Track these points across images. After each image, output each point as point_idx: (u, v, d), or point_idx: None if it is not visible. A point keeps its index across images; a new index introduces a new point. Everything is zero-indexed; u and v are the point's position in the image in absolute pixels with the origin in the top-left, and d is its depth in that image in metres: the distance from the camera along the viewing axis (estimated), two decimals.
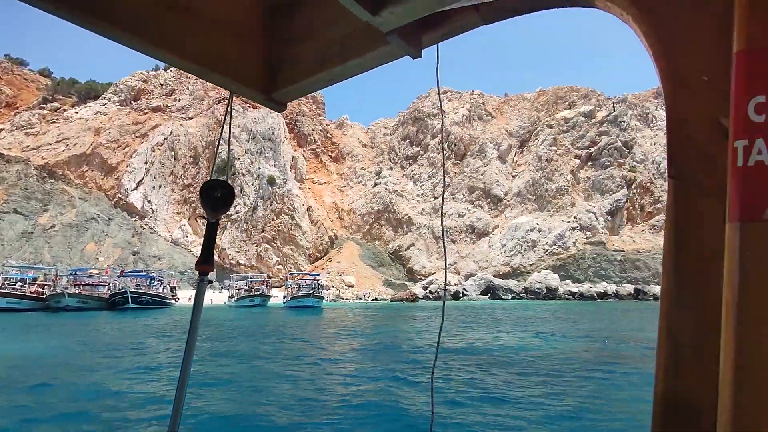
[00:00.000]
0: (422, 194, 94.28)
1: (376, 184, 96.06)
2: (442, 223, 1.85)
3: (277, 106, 1.66)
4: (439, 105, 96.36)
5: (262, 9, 1.61)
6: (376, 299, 72.53)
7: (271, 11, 1.61)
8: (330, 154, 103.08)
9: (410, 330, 27.44)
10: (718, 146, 0.88)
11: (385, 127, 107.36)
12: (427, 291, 76.14)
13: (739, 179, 0.81)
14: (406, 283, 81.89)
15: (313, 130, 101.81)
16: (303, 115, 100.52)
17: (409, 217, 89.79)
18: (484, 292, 75.12)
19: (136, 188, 79.42)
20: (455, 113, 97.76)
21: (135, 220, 77.68)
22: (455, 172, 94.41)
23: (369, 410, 9.62)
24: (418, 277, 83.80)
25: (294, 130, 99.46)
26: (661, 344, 0.96)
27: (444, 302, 1.91)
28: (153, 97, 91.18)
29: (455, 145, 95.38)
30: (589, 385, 12.38)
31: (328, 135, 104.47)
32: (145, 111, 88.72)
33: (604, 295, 72.97)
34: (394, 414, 9.20)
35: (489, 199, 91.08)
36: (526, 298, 71.68)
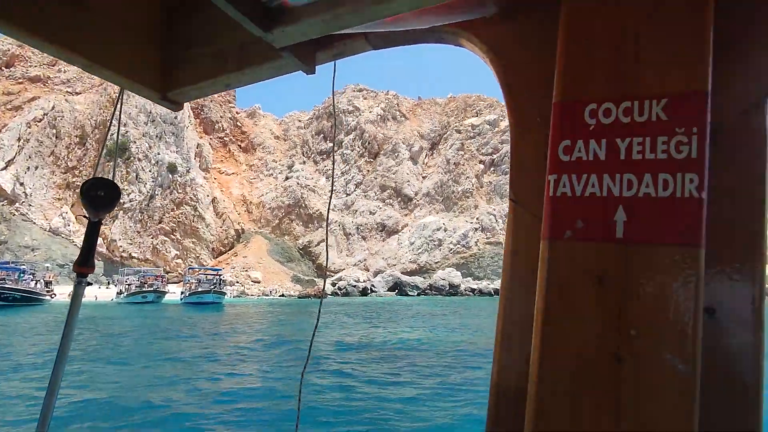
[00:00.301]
0: (334, 190, 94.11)
1: (287, 178, 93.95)
2: (327, 225, 1.89)
3: (172, 105, 1.63)
4: (352, 105, 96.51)
5: (160, 8, 1.56)
6: (283, 295, 71.04)
7: (170, 11, 1.57)
8: (239, 143, 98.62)
9: (311, 326, 27.30)
10: (545, 177, 1.04)
11: (299, 120, 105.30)
12: (336, 287, 76.27)
13: (549, 206, 0.99)
14: (315, 279, 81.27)
15: (221, 117, 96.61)
16: (211, 101, 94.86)
17: (321, 212, 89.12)
18: (391, 289, 77.14)
19: (5, 168, 69.08)
20: (370, 111, 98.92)
21: (3, 205, 67.61)
22: (368, 170, 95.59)
23: (241, 408, 9.43)
24: (328, 273, 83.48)
25: (200, 116, 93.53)
26: (497, 341, 1.09)
27: (321, 301, 1.98)
28: (31, 65, 79.94)
29: (369, 143, 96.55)
30: (467, 371, 13.33)
31: (238, 124, 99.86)
32: (20, 80, 77.52)
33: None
34: (268, 412, 9.12)
35: (400, 198, 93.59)
36: (431, 294, 74.90)
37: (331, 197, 1.80)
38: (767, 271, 0.96)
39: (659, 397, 0.85)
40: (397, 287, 77.10)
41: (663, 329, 0.87)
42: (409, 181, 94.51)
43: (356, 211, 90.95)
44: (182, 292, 54.69)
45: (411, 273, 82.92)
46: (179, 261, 74.53)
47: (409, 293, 74.94)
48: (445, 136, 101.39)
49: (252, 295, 69.44)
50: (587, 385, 0.91)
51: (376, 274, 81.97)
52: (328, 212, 2.09)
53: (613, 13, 1.02)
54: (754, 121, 0.97)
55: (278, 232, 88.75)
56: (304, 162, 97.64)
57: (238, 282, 73.13)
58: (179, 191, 77.68)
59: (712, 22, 0.93)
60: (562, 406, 0.92)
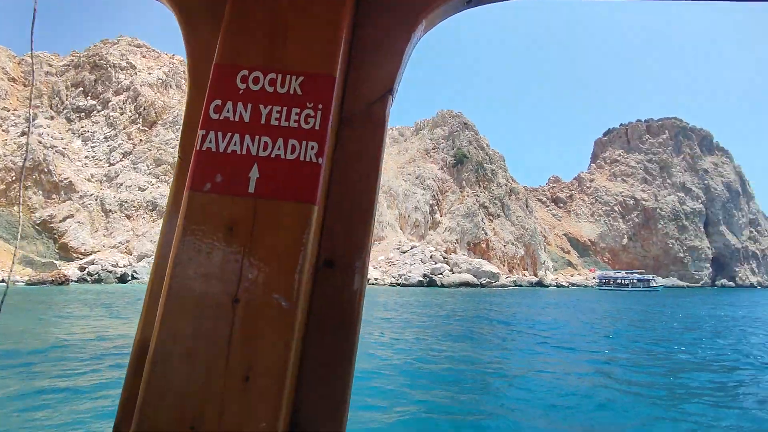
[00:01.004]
0: (93, 157, 79.16)
1: (24, 133, 74.28)
2: (20, 200, 1.57)
3: None
4: (126, 61, 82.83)
5: None
6: (3, 281, 56.08)
7: None
8: None
9: (30, 323, 22.29)
10: None
11: (50, 65, 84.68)
12: (86, 272, 64.29)
13: (195, 159, 1.07)
14: (56, 261, 66.92)
15: None
16: None
17: (71, 182, 73.68)
18: None
19: None
20: (149, 73, 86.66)
21: None
22: (141, 140, 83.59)
23: None
24: (75, 255, 69.97)
25: None
26: (146, 297, 1.15)
27: (7, 287, 1.68)
28: None
29: (144, 109, 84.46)
30: None
31: None
32: None
33: None
34: None
35: None
36: None
37: (23, 168, 1.39)
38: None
39: (265, 332, 0.96)
40: None
41: (275, 274, 0.99)
42: None
43: (121, 184, 78.59)
44: None
45: None
46: None
47: None
48: None
49: None
50: (205, 327, 0.97)
51: (140, 258, 72.51)
52: (21, 183, 1.61)
53: None
54: (378, 111, 1.16)
55: (4, 201, 69.51)
56: (53, 117, 79.03)
57: None
58: None
59: (347, 23, 1.13)
60: (180, 349, 0.97)
